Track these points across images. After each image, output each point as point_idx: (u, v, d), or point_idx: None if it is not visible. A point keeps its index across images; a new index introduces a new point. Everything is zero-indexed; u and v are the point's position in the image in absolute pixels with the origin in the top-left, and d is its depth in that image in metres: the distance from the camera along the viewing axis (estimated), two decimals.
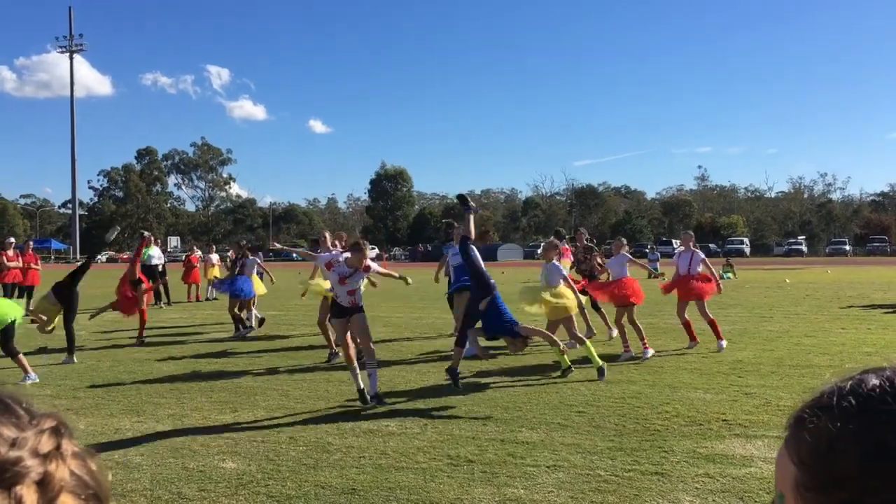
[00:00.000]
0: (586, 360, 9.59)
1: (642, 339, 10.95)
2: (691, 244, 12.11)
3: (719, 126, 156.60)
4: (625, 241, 12.35)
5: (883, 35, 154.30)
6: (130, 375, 10.16)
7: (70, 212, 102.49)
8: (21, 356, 9.58)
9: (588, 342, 9.64)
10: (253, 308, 15.36)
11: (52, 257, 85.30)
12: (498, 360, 10.88)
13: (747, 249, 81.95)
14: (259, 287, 15.48)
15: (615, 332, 12.04)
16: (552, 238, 11.55)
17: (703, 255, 11.89)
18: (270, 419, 7.56)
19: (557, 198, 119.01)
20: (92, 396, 8.83)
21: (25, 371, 9.61)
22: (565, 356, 9.21)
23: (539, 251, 11.46)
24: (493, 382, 9.27)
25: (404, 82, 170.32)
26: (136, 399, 8.65)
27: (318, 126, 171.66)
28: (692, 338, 11.65)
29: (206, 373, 10.32)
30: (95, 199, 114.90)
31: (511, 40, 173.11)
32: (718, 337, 11.46)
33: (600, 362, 9.31)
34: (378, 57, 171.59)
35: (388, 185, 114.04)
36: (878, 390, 0.70)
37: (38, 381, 9.62)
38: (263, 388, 9.17)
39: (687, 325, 11.68)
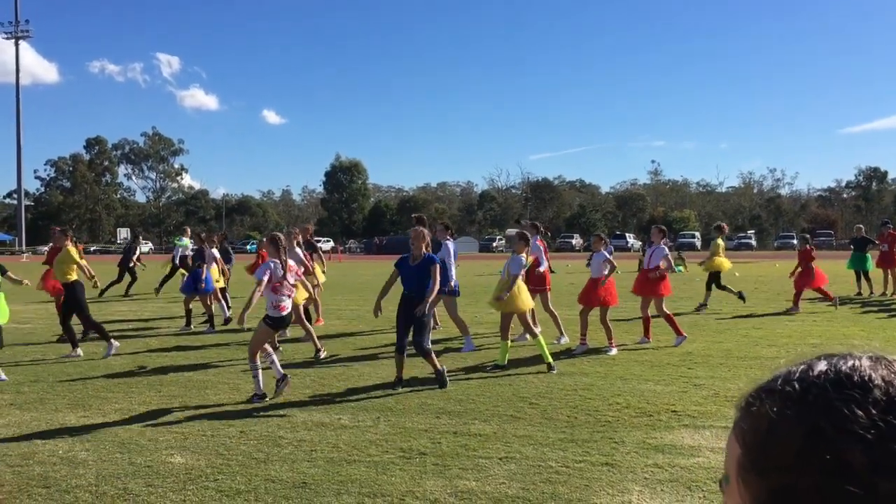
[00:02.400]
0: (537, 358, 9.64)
1: (610, 338, 10.98)
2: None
3: (674, 121, 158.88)
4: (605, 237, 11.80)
5: (834, 32, 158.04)
6: (77, 369, 9.94)
7: (15, 202, 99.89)
8: None
9: (541, 337, 9.65)
10: (223, 301, 15.20)
11: None
12: (451, 354, 10.91)
13: (698, 243, 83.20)
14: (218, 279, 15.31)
15: (564, 339, 11.91)
16: (522, 230, 10.82)
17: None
18: (220, 413, 7.46)
19: (513, 191, 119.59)
20: (36, 391, 8.61)
21: None
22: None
23: (504, 242, 10.64)
24: (448, 376, 9.27)
25: (359, 74, 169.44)
26: (83, 393, 8.47)
27: (272, 117, 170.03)
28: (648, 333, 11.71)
29: (154, 367, 10.15)
30: (42, 189, 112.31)
31: (469, 35, 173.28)
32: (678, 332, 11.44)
33: (550, 359, 9.40)
34: (332, 48, 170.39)
35: (343, 177, 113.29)
36: (822, 377, 0.70)
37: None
38: (214, 382, 9.04)
39: (648, 321, 11.69)
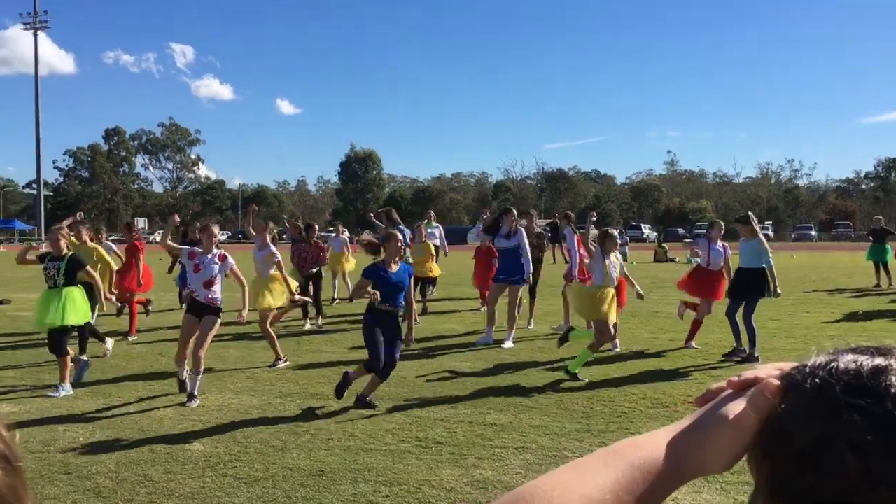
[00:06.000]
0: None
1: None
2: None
3: (690, 110, 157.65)
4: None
5: (855, 20, 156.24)
6: (96, 358, 10.03)
7: (35, 192, 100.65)
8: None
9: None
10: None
11: (17, 238, 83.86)
12: (469, 347, 10.94)
13: None
14: None
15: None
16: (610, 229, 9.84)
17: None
18: (239, 402, 7.52)
19: (528, 181, 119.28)
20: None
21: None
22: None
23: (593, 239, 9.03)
24: (464, 367, 9.31)
25: (374, 64, 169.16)
26: (103, 381, 8.56)
27: (286, 106, 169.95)
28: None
29: (174, 355, 10.20)
30: (61, 179, 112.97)
31: (483, 25, 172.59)
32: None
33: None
34: (346, 38, 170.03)
35: (357, 167, 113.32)
36: (841, 377, 0.69)
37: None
38: (233, 371, 9.11)
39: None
